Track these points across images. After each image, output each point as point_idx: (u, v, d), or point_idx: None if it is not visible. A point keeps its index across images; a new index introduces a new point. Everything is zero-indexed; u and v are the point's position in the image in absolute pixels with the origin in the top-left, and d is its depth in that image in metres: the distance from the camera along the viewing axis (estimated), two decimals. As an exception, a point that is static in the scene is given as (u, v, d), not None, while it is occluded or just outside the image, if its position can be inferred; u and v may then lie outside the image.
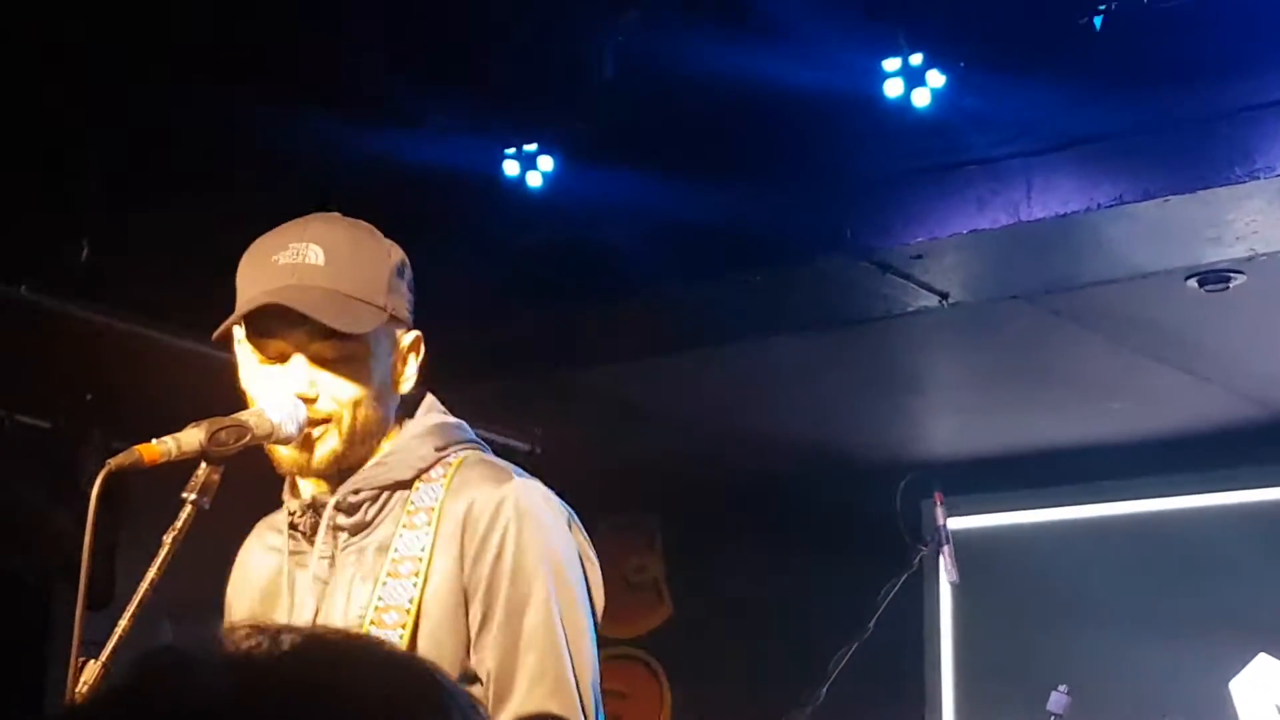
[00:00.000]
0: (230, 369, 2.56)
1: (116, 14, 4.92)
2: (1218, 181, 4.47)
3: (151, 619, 2.47)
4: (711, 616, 7.49)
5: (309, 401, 2.40)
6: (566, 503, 2.58)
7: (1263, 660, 6.29)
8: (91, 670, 2.27)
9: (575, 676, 2.41)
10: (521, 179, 5.21)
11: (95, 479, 2.28)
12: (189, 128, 5.16)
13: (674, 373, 5.93)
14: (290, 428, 2.37)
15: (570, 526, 2.49)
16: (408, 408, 2.59)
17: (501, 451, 2.68)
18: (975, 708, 6.96)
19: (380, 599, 2.42)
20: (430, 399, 2.61)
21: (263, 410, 2.37)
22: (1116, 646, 6.60)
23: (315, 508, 2.45)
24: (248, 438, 2.33)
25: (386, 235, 2.62)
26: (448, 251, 4.76)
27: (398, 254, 2.55)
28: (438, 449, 2.48)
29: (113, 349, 5.34)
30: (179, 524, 2.32)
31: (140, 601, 2.39)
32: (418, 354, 2.56)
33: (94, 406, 5.58)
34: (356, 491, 2.43)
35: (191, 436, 2.30)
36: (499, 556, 2.38)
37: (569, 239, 5.18)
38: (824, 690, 5.31)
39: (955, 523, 6.17)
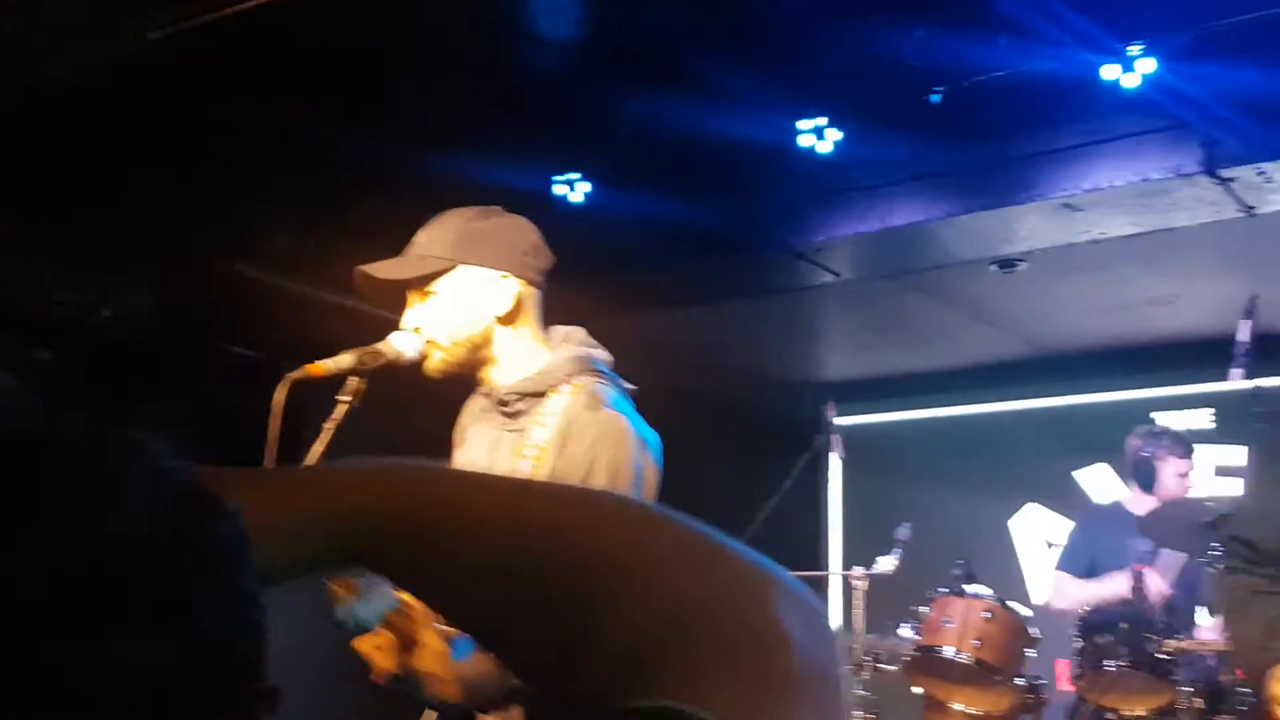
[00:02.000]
0: (367, 318, 2.57)
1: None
2: (1010, 203, 4.75)
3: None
4: (681, 481, 7.40)
5: (418, 331, 2.39)
6: None
7: (1030, 507, 6.73)
8: None
9: None
10: (565, 197, 5.31)
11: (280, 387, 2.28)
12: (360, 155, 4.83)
13: (663, 325, 6.05)
14: (411, 352, 2.37)
15: (641, 449, 2.32)
16: (570, 336, 2.49)
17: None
18: (854, 547, 7.08)
19: (516, 471, 2.32)
20: (574, 332, 2.52)
21: (390, 340, 2.37)
22: (944, 501, 6.82)
23: (490, 397, 2.46)
24: (382, 360, 2.33)
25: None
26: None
27: (485, 218, 2.47)
28: (567, 374, 2.39)
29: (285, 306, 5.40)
30: (336, 416, 2.31)
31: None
32: (509, 287, 2.41)
33: (286, 344, 5.12)
34: (510, 393, 2.41)
35: (344, 358, 2.30)
36: (572, 464, 2.27)
37: (605, 235, 5.20)
38: (750, 530, 5.39)
39: (842, 421, 6.63)
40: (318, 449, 2.29)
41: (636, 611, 0.67)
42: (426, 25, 4.37)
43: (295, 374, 2.28)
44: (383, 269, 2.39)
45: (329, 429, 2.29)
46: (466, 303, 2.40)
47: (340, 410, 2.30)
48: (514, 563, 0.71)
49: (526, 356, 2.44)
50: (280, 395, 2.26)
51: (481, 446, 2.46)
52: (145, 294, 5.49)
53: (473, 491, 0.77)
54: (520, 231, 2.48)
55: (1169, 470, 5.38)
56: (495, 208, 2.51)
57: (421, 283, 2.39)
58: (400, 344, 2.36)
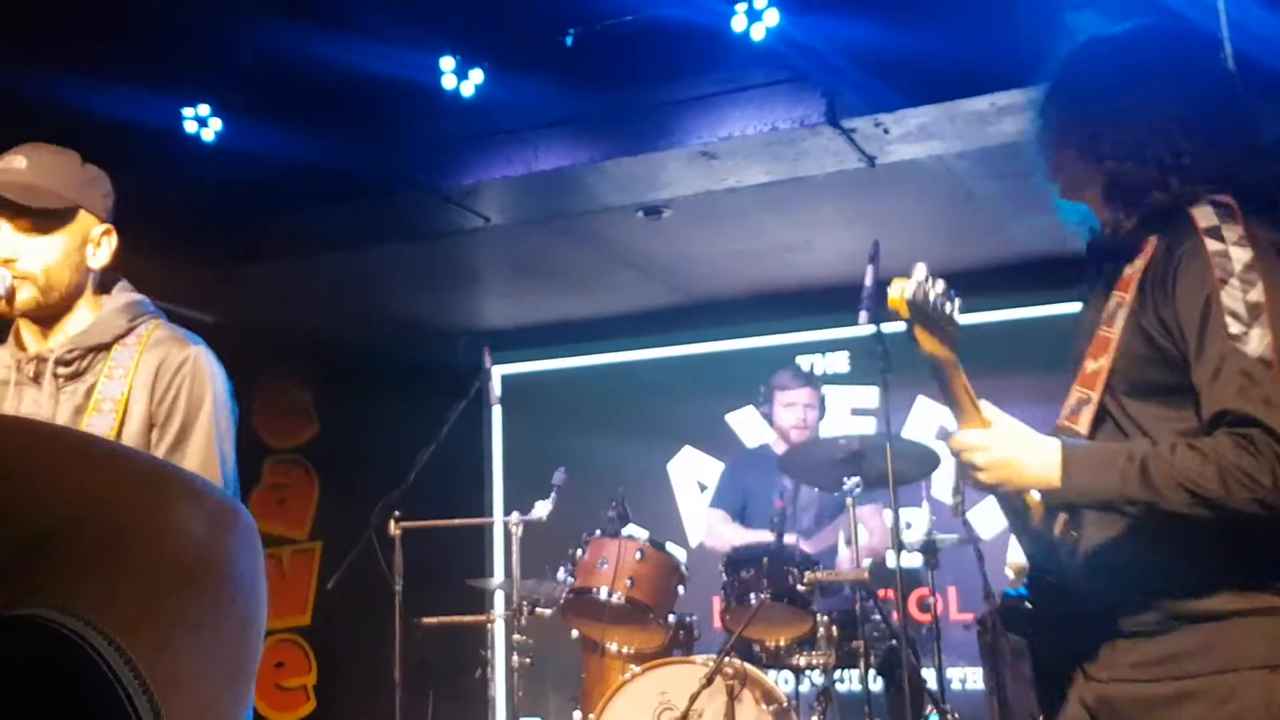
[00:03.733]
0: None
1: None
2: (651, 149, 4.77)
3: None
4: (343, 433, 7.41)
5: (10, 263, 2.32)
6: (242, 356, 2.59)
7: (686, 450, 7.00)
8: None
9: (221, 460, 2.36)
10: (197, 135, 5.15)
11: None
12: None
13: (307, 270, 5.99)
14: None
15: (227, 380, 2.46)
16: (106, 287, 2.51)
17: (188, 322, 2.60)
18: (517, 494, 6.96)
19: (88, 426, 2.31)
20: (123, 281, 2.53)
21: None
22: (604, 446, 6.87)
23: (39, 359, 2.39)
24: None
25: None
26: (149, 181, 4.39)
27: (93, 170, 2.46)
28: (130, 320, 2.43)
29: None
30: None
31: None
32: (110, 242, 2.45)
33: None
34: (70, 351, 2.38)
35: None
36: (177, 396, 2.34)
37: (239, 176, 5.14)
38: (411, 478, 5.41)
39: (502, 369, 7.00)
40: None
41: (25, 514, 0.66)
42: None
43: None
44: (13, 191, 2.30)
45: None
46: (76, 248, 2.39)
47: None
48: None
49: (87, 307, 2.44)
50: None
51: (16, 409, 2.39)
52: None
53: None
54: (109, 182, 2.49)
55: (779, 401, 5.66)
56: (72, 152, 2.46)
57: (45, 216, 2.34)
58: None
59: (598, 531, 5.16)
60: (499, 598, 6.07)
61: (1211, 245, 1.90)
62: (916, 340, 1.99)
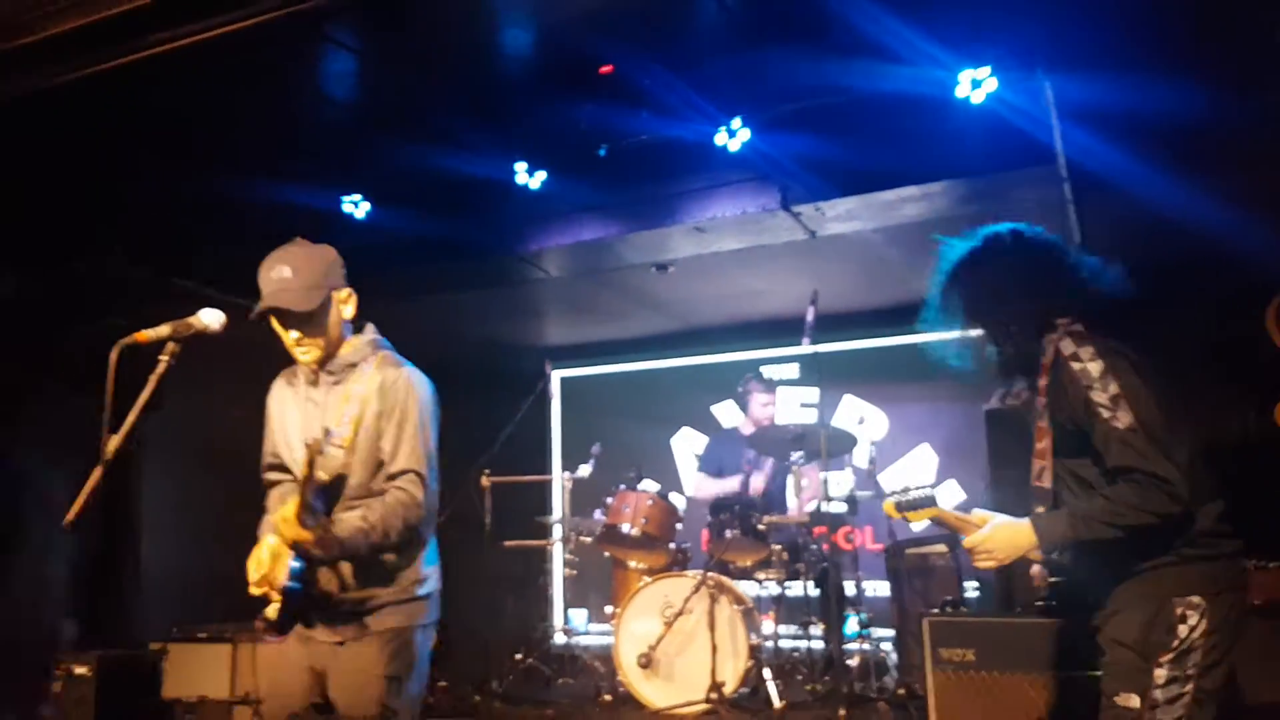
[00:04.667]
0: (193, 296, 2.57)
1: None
2: (660, 226, 4.71)
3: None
4: (451, 417, 7.09)
5: (300, 340, 2.32)
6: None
7: (685, 430, 6.87)
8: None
9: (427, 455, 2.32)
10: (351, 214, 4.99)
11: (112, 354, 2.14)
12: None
13: (425, 308, 5.71)
14: (215, 325, 2.24)
15: (434, 393, 2.41)
16: (360, 327, 2.47)
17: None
18: (567, 456, 7.01)
19: (347, 412, 2.33)
20: (369, 325, 2.48)
21: (200, 315, 2.24)
22: (627, 427, 6.72)
23: (316, 371, 2.40)
24: (192, 330, 2.22)
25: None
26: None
27: (329, 252, 2.38)
28: (371, 350, 2.42)
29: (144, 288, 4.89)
30: (158, 371, 2.20)
31: (137, 412, 2.23)
32: (352, 299, 2.41)
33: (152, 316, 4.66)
34: (335, 366, 2.38)
35: (163, 328, 2.20)
36: (395, 400, 2.32)
37: (379, 241, 4.92)
38: (496, 448, 5.41)
39: (558, 373, 6.89)
40: (144, 396, 2.19)
41: None
42: (237, 88, 4.04)
43: (125, 340, 2.16)
44: (292, 303, 2.27)
45: (152, 381, 2.20)
46: (334, 315, 2.37)
47: (161, 367, 2.20)
48: None
49: (345, 338, 2.42)
50: (113, 356, 2.13)
51: (301, 405, 2.40)
52: (43, 279, 4.89)
53: None
54: (335, 254, 2.40)
55: (755, 401, 5.68)
56: (304, 239, 2.37)
57: (320, 310, 2.32)
58: (207, 318, 2.23)
59: (622, 486, 5.16)
60: (556, 530, 5.94)
61: (1075, 366, 2.08)
62: (909, 520, 2.30)
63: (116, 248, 4.92)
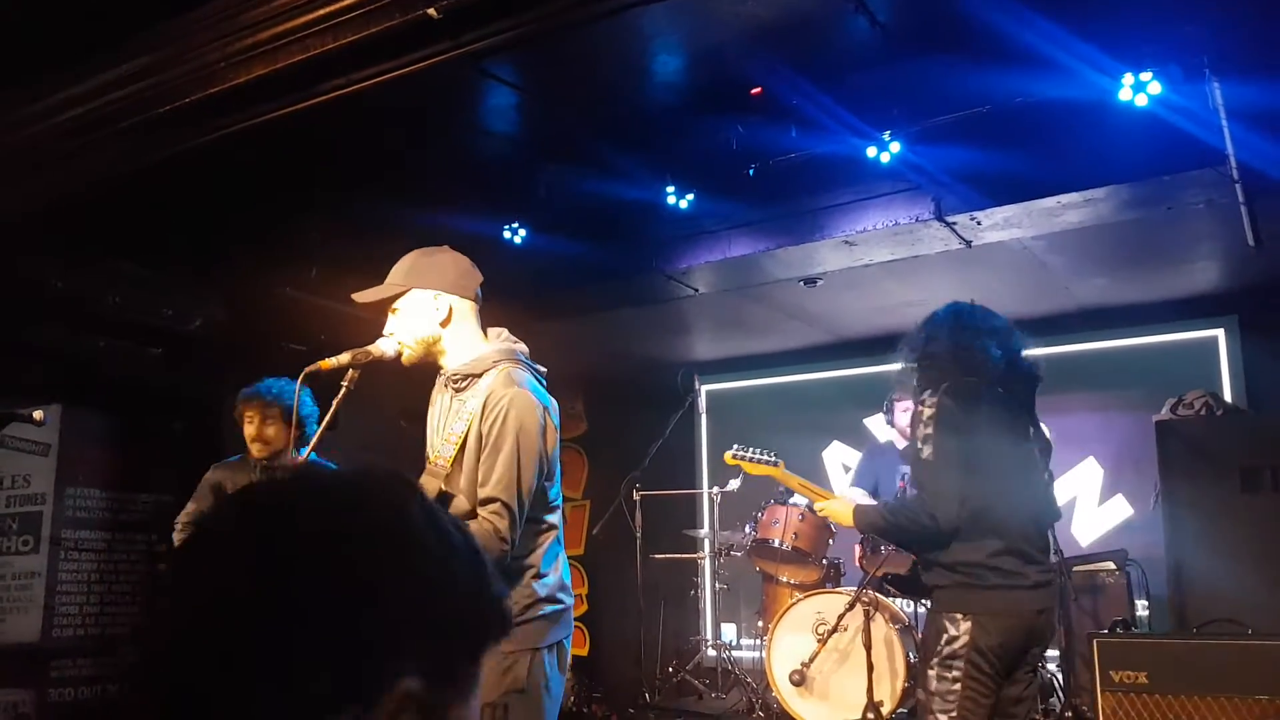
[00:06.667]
0: (375, 323, 2.45)
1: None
2: (809, 241, 4.70)
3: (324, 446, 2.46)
4: (603, 430, 7.20)
5: (391, 335, 2.36)
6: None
7: (835, 444, 6.85)
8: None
9: (518, 484, 2.19)
10: (511, 239, 5.15)
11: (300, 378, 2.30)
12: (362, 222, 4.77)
13: (580, 325, 5.78)
14: (390, 351, 2.33)
15: (544, 413, 2.27)
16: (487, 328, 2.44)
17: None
18: (716, 470, 6.91)
19: (454, 429, 2.29)
20: (501, 331, 2.45)
21: (377, 343, 2.33)
22: (777, 440, 6.37)
23: (445, 381, 2.40)
24: (370, 357, 2.28)
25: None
26: (496, 270, 4.51)
27: (431, 254, 2.37)
28: (494, 361, 2.35)
29: (323, 316, 5.17)
30: (340, 396, 2.27)
31: (320, 433, 2.46)
32: (442, 302, 2.33)
33: (327, 342, 4.82)
34: (455, 375, 2.36)
35: (344, 356, 2.27)
36: (492, 425, 2.23)
37: (537, 265, 5.11)
38: (647, 461, 5.63)
39: (706, 387, 6.85)
40: (327, 419, 2.32)
41: None
42: (408, 124, 4.30)
43: (310, 368, 2.27)
44: (362, 295, 2.35)
45: (335, 404, 2.28)
46: (417, 314, 2.34)
47: (343, 392, 2.28)
48: None
49: (468, 348, 2.37)
50: (300, 381, 2.29)
51: (439, 411, 2.40)
52: (224, 309, 5.34)
53: None
54: (455, 262, 2.39)
55: (899, 408, 5.36)
56: (443, 246, 2.41)
57: (387, 303, 2.34)
58: (383, 345, 2.32)
59: (772, 500, 5.13)
60: (706, 543, 6.01)
61: (926, 411, 2.72)
62: (745, 470, 3.33)
63: (302, 276, 5.22)
